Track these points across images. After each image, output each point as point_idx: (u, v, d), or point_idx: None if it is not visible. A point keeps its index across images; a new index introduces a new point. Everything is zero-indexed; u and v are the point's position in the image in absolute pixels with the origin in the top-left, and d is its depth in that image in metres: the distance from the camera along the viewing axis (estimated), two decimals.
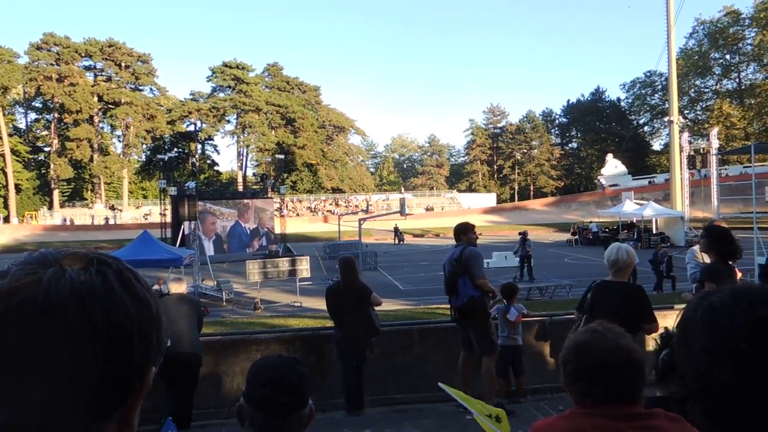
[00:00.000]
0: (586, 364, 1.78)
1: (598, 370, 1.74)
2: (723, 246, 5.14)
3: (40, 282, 0.62)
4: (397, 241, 45.17)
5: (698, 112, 76.26)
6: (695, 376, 0.88)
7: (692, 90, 75.36)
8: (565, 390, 1.90)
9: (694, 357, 0.88)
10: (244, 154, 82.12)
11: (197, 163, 79.66)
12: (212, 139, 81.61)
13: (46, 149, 75.05)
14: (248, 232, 37.09)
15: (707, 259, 6.08)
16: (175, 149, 74.25)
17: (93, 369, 0.61)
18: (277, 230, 39.30)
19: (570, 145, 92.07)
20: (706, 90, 76.13)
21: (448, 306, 6.78)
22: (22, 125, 76.76)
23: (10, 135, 68.08)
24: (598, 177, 72.01)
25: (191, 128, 79.45)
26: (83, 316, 0.61)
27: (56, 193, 71.95)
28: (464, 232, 6.72)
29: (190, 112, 76.65)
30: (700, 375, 0.87)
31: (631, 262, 4.98)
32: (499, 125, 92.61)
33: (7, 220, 64.16)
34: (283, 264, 19.54)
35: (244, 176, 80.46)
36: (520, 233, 23.74)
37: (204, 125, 77.89)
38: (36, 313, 0.60)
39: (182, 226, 24.61)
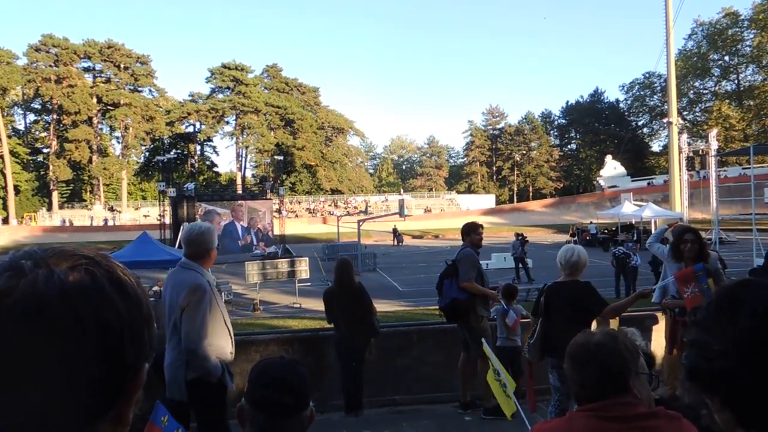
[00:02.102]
0: (588, 366, 1.80)
1: (600, 372, 1.76)
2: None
3: (29, 283, 0.61)
4: (396, 243, 45.19)
5: (697, 114, 76.38)
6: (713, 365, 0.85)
7: (691, 91, 75.47)
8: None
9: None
10: (243, 156, 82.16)
11: (196, 165, 79.63)
12: (211, 141, 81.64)
13: (45, 150, 75.02)
14: (243, 232, 37.08)
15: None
16: (174, 150, 74.19)
17: (85, 369, 0.61)
18: (276, 231, 39.29)
19: (569, 146, 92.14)
20: (705, 91, 76.25)
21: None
22: (20, 127, 76.75)
23: (9, 136, 68.03)
24: (597, 178, 72.10)
25: (190, 129, 79.42)
26: (73, 316, 0.61)
27: (55, 195, 71.92)
28: (467, 232, 6.58)
29: (189, 114, 76.61)
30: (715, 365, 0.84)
31: (584, 262, 5.13)
32: (498, 126, 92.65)
33: (6, 221, 64.09)
34: (282, 265, 19.56)
35: (243, 177, 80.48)
36: (518, 235, 23.76)
37: (203, 126, 77.85)
38: (25, 315, 0.59)
39: (181, 227, 24.63)
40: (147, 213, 65.48)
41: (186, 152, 79.16)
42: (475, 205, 71.85)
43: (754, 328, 0.80)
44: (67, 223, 61.70)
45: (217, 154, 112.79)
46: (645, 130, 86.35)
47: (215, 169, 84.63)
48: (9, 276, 0.62)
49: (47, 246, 0.69)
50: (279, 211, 41.20)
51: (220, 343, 3.97)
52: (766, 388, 0.77)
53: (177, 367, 3.99)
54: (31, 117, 77.24)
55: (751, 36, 68.66)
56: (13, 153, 67.19)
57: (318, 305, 15.99)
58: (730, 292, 0.88)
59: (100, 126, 75.41)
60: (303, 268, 19.35)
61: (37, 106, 74.73)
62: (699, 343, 0.86)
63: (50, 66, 69.81)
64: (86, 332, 0.61)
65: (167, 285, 4.20)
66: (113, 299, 0.64)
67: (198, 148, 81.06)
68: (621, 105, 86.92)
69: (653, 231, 36.28)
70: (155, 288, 16.58)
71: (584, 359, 1.79)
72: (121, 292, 0.66)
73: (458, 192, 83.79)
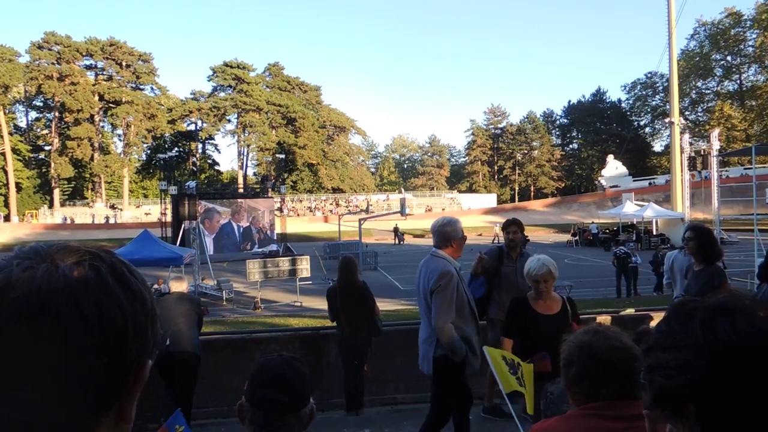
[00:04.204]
0: (592, 364, 1.78)
1: (604, 369, 1.74)
2: (708, 249, 5.24)
3: (33, 278, 0.61)
4: (397, 241, 45.19)
5: (699, 114, 76.30)
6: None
7: (693, 91, 75.38)
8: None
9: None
10: (245, 154, 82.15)
11: (198, 163, 79.68)
12: (213, 139, 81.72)
13: (47, 148, 75.06)
14: (241, 231, 37.06)
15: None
16: (176, 148, 74.36)
17: (88, 363, 0.61)
18: (278, 230, 39.29)
19: (571, 146, 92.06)
20: (707, 91, 76.17)
21: None
22: (23, 124, 76.89)
23: (10, 134, 68.09)
24: (599, 178, 72.04)
25: (192, 127, 79.47)
26: (76, 311, 0.61)
27: (57, 192, 71.95)
28: (501, 230, 6.58)
29: (190, 112, 76.66)
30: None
31: (546, 273, 4.21)
32: (499, 126, 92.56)
33: (7, 218, 64.16)
34: (284, 264, 19.57)
35: (245, 176, 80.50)
36: None
37: (204, 125, 77.92)
38: (29, 311, 0.59)
39: (182, 226, 24.64)
40: (148, 211, 65.53)
41: (187, 150, 79.19)
42: (477, 205, 71.77)
43: (706, 332, 0.81)
44: (69, 221, 61.78)
45: (219, 153, 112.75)
46: (647, 129, 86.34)
47: (217, 167, 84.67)
48: (13, 270, 0.62)
49: (52, 242, 0.69)
50: (280, 209, 41.21)
51: (465, 326, 4.45)
52: (730, 394, 0.77)
53: (429, 344, 4.53)
54: (33, 114, 77.46)
55: (754, 36, 68.59)
56: (14, 150, 67.24)
57: (319, 304, 16.01)
58: (677, 311, 0.89)
59: (101, 124, 75.41)
60: (304, 267, 19.35)
61: (39, 103, 74.76)
62: (657, 365, 0.86)
63: (52, 63, 69.84)
64: (89, 327, 0.61)
65: (420, 271, 4.64)
66: (117, 295, 0.64)
67: (199, 146, 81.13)
68: (623, 105, 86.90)
69: (654, 231, 36.38)
70: (155, 286, 16.60)
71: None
72: (125, 288, 0.66)
73: (459, 191, 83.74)
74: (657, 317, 7.65)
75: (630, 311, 8.67)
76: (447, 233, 4.55)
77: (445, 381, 4.52)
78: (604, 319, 7.90)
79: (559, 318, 4.19)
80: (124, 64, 74.19)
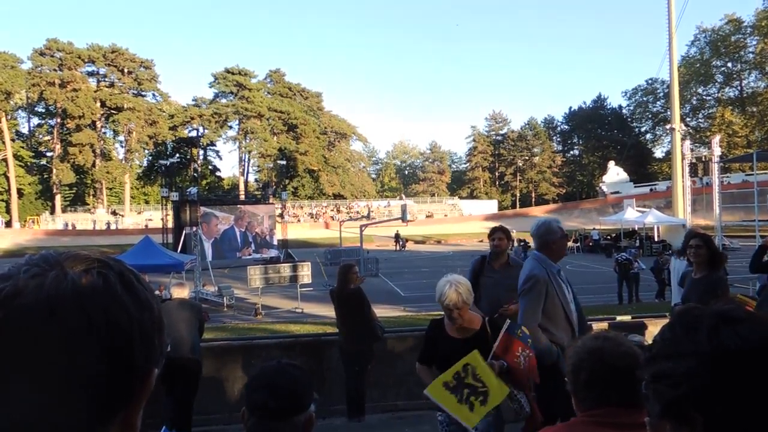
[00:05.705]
0: (600, 368, 1.77)
1: (612, 375, 1.73)
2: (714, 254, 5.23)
3: (43, 285, 0.62)
4: (398, 248, 45.17)
5: (700, 120, 76.36)
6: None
7: (694, 98, 75.43)
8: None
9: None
10: (246, 160, 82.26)
11: (199, 169, 79.71)
12: (214, 145, 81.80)
13: (49, 154, 75.15)
14: (242, 237, 37.01)
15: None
16: (177, 155, 74.37)
17: (95, 371, 0.61)
18: (279, 236, 39.27)
19: (571, 152, 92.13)
20: (707, 98, 76.22)
21: None
22: (24, 130, 76.94)
23: (12, 140, 68.18)
24: (600, 184, 72.06)
25: (193, 134, 79.56)
26: (85, 318, 0.61)
27: (58, 198, 72.02)
28: None
29: (192, 118, 76.77)
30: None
31: (456, 302, 3.72)
32: (500, 132, 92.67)
33: (9, 224, 64.21)
34: (285, 270, 19.57)
35: (246, 182, 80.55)
36: (520, 241, 23.74)
37: (206, 131, 77.99)
38: (38, 317, 0.60)
39: (183, 232, 24.66)
40: (150, 217, 65.55)
41: (189, 157, 79.25)
42: (478, 211, 71.75)
43: (712, 340, 0.81)
44: (70, 227, 61.80)
45: (220, 159, 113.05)
46: (648, 136, 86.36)
47: (218, 173, 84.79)
48: (23, 277, 0.63)
49: (61, 250, 0.70)
50: (281, 215, 41.18)
51: (557, 331, 4.26)
52: (734, 402, 0.77)
53: None
54: (35, 121, 77.46)
55: (754, 42, 68.68)
56: (16, 156, 67.38)
57: (320, 310, 16.01)
58: (681, 319, 0.88)
59: (103, 130, 75.52)
60: (305, 273, 19.34)
61: (41, 109, 74.90)
62: (662, 373, 0.85)
63: (54, 70, 70.01)
64: (97, 334, 0.62)
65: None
66: (125, 302, 0.65)
67: (201, 152, 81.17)
68: (624, 111, 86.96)
69: (656, 237, 36.35)
70: (156, 292, 16.58)
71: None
72: (133, 295, 0.67)
73: (460, 197, 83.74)
74: (652, 324, 7.63)
75: (625, 318, 8.65)
76: (544, 234, 4.51)
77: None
78: (600, 326, 7.88)
79: (472, 342, 3.75)
80: (125, 70, 74.40)
